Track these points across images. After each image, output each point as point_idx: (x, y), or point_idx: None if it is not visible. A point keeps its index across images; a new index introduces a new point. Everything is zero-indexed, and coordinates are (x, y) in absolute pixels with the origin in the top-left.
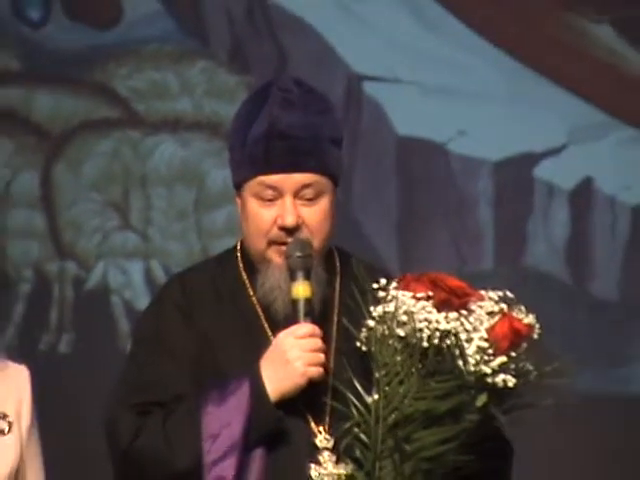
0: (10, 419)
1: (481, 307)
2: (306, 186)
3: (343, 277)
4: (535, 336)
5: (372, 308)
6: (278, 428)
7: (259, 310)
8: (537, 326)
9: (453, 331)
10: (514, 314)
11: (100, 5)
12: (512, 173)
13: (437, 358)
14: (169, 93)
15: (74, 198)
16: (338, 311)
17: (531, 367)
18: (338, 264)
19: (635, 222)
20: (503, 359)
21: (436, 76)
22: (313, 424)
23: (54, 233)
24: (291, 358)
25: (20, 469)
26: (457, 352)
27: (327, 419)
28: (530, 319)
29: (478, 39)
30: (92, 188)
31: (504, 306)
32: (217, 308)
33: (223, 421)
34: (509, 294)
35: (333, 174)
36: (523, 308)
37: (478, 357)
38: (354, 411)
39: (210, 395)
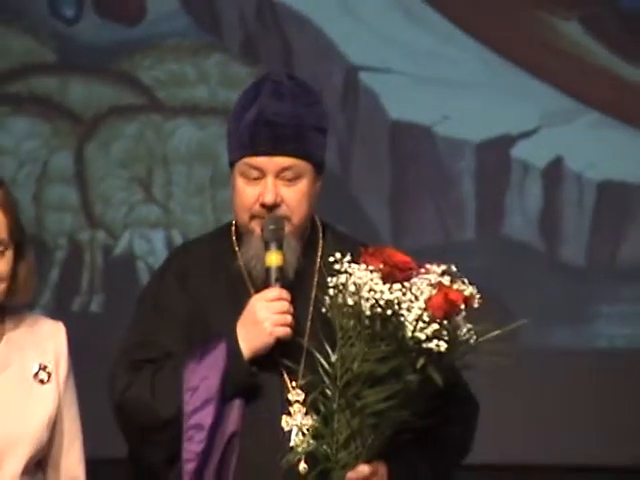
0: (49, 370)
1: (424, 280)
2: (286, 168)
3: (324, 249)
4: (475, 305)
5: (329, 279)
6: (252, 382)
7: (245, 275)
8: (477, 296)
9: (395, 301)
10: (455, 286)
11: (126, 4)
12: (491, 153)
13: (382, 325)
14: (187, 82)
15: (103, 175)
16: (317, 280)
17: (468, 334)
18: (321, 238)
19: (599, 196)
20: (436, 326)
21: (424, 67)
22: (287, 380)
23: (86, 206)
24: (260, 319)
25: (58, 416)
26: (397, 320)
27: (300, 376)
28: (470, 291)
29: (462, 35)
30: (119, 166)
31: (442, 279)
32: (211, 274)
33: (202, 375)
34: (453, 268)
35: (314, 159)
36: (466, 280)
37: (416, 324)
38: (320, 370)
39: (192, 353)
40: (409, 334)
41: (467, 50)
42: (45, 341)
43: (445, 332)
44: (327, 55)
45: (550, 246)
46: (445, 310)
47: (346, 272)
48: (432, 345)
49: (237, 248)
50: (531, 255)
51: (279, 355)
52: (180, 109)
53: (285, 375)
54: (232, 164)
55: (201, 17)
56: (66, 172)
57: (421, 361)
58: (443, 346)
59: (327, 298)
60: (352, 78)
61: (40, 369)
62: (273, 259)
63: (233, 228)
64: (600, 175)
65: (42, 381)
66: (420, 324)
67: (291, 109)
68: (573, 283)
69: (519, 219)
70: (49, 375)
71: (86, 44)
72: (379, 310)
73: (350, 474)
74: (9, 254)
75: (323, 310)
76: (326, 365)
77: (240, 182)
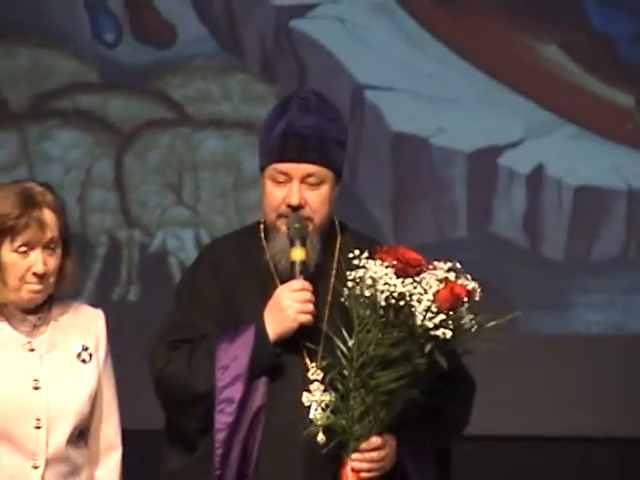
0: (90, 351)
1: (432, 275)
2: (310, 174)
3: (342, 245)
4: (477, 298)
5: (349, 273)
6: (276, 362)
7: (272, 268)
8: (479, 290)
9: (407, 293)
10: (459, 281)
11: (159, 30)
12: (481, 161)
13: (395, 314)
14: (213, 99)
15: (139, 180)
16: (335, 273)
17: (470, 323)
18: (339, 236)
19: (576, 199)
20: (442, 317)
21: (422, 86)
22: (308, 361)
23: (124, 208)
24: (285, 306)
25: (98, 391)
26: (409, 310)
27: (319, 357)
28: (472, 285)
29: (455, 57)
30: (154, 173)
31: (449, 275)
32: (241, 266)
33: (233, 355)
34: (458, 265)
35: (335, 168)
36: (469, 276)
37: (425, 314)
38: (338, 352)
39: (224, 335)
40: (419, 323)
41: (459, 71)
42: (87, 326)
43: (450, 322)
44: (337, 75)
45: (532, 243)
46: (451, 302)
47: (364, 267)
48: (439, 333)
49: (265, 244)
50: (515, 251)
51: (301, 338)
52: (207, 123)
53: (306, 356)
54: (262, 169)
55: (225, 41)
56: (106, 178)
57: (429, 347)
58: (449, 334)
59: (345, 289)
60: (359, 95)
61: (82, 350)
62: (297, 254)
63: (262, 226)
64: (577, 181)
65: (84, 361)
66: (429, 314)
67: (316, 123)
68: (553, 276)
69: (505, 219)
70: (90, 355)
71: (124, 65)
72: (392, 301)
73: (363, 445)
74: (59, 251)
75: (341, 299)
76: (344, 348)
77: (269, 185)
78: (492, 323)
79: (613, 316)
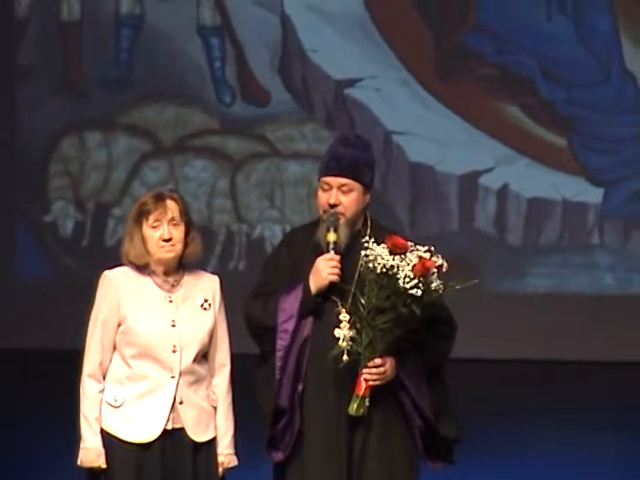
0: (209, 302)
1: (413, 254)
2: (344, 184)
3: (369, 234)
4: (444, 270)
5: (362, 252)
6: (317, 307)
7: (321, 246)
8: (445, 265)
9: (395, 265)
10: (433, 258)
11: (260, 95)
12: (467, 181)
13: (387, 278)
14: (294, 139)
15: (246, 192)
16: (363, 253)
17: (438, 286)
18: (369, 228)
19: (529, 206)
20: (416, 281)
21: (429, 132)
22: (340, 307)
23: (236, 210)
24: (320, 269)
25: (214, 328)
26: (395, 276)
27: (348, 305)
28: (441, 262)
29: (451, 113)
30: (255, 187)
31: (424, 254)
32: (304, 246)
33: (289, 301)
34: (432, 248)
35: (362, 182)
36: (440, 255)
37: (404, 279)
38: (359, 305)
39: (285, 289)
40: (401, 284)
41: (454, 122)
42: (207, 285)
43: (421, 285)
44: (374, 124)
45: (500, 234)
46: (422, 272)
47: (371, 249)
48: (413, 292)
49: (319, 230)
50: (489, 238)
51: (336, 294)
52: (290, 155)
53: (339, 304)
54: (318, 181)
55: (302, 102)
56: (225, 190)
57: (408, 300)
58: (419, 293)
59: (361, 262)
60: (388, 138)
61: (204, 302)
62: (331, 237)
63: (320, 219)
64: (530, 194)
65: (205, 309)
66: (407, 279)
67: (350, 151)
68: (513, 255)
69: (483, 219)
70: (209, 305)
71: (237, 117)
72: (385, 270)
73: (370, 363)
74: (181, 227)
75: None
76: (362, 300)
77: (319, 192)
78: (458, 287)
79: (552, 282)
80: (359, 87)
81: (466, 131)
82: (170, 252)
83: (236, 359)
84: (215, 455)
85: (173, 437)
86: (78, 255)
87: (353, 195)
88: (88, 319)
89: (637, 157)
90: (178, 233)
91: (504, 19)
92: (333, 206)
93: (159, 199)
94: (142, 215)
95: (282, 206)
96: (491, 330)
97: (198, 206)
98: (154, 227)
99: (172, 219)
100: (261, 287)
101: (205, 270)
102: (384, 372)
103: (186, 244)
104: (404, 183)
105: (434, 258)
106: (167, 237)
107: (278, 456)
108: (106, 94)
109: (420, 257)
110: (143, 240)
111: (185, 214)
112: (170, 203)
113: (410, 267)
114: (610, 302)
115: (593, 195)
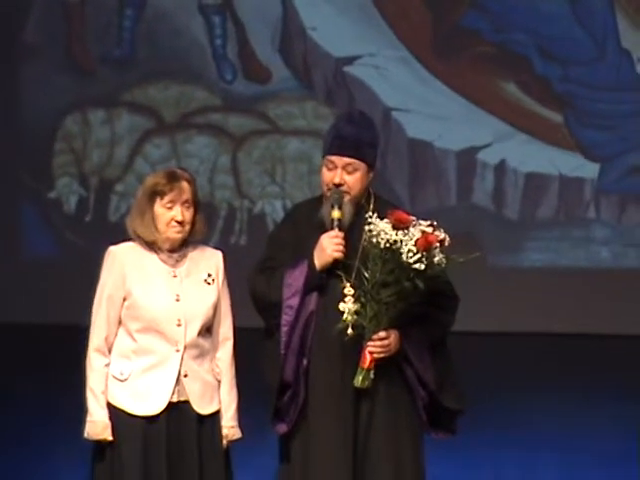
0: (213, 277)
1: (416, 229)
2: (349, 164)
3: (373, 211)
4: (446, 244)
5: (366, 228)
6: (321, 282)
7: (325, 223)
8: (447, 239)
9: (398, 240)
10: (435, 233)
11: (261, 72)
12: (466, 157)
13: (391, 253)
14: (294, 117)
15: (247, 169)
16: (365, 228)
17: (440, 260)
18: (372, 203)
19: (526, 181)
20: (419, 255)
21: (428, 108)
22: (345, 281)
23: (237, 186)
24: (324, 246)
25: (217, 302)
26: (398, 250)
27: (352, 279)
28: (443, 236)
29: (450, 90)
30: (256, 164)
31: (427, 229)
32: (308, 222)
33: (294, 277)
34: (434, 223)
35: (366, 161)
36: (442, 229)
37: (408, 254)
38: (363, 279)
39: (290, 265)
40: (404, 259)
41: (452, 99)
42: (210, 260)
43: (424, 259)
44: (373, 101)
45: (498, 209)
46: (425, 246)
47: (374, 224)
48: (416, 266)
49: (322, 207)
50: (487, 212)
51: (341, 269)
52: (290, 132)
53: (343, 279)
54: (323, 158)
55: (302, 80)
56: (226, 167)
57: (411, 274)
58: (422, 267)
59: (365, 237)
60: (387, 114)
61: (207, 276)
62: (335, 214)
63: (323, 197)
64: (527, 169)
65: (209, 283)
66: (410, 254)
67: (356, 131)
68: (511, 230)
69: (481, 194)
70: (213, 280)
71: (238, 95)
72: (389, 245)
73: (374, 336)
74: (192, 210)
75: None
76: (366, 274)
77: (323, 170)
78: (461, 260)
79: (549, 256)
80: (359, 65)
81: (464, 108)
82: (179, 233)
83: (239, 333)
84: (219, 427)
85: (178, 410)
86: (81, 231)
87: (357, 174)
88: (93, 294)
89: (632, 133)
90: (189, 215)
91: None
92: (338, 185)
93: (175, 179)
94: (156, 194)
95: (282, 182)
96: (488, 303)
97: (200, 182)
98: (168, 208)
99: (186, 201)
100: (266, 262)
101: (208, 245)
102: (388, 345)
103: (193, 224)
104: (403, 159)
105: (437, 232)
106: (180, 219)
107: (283, 428)
108: (109, 72)
109: (423, 231)
110: (154, 218)
111: (196, 195)
112: (185, 185)
113: (413, 241)
114: (606, 275)
115: (589, 170)
